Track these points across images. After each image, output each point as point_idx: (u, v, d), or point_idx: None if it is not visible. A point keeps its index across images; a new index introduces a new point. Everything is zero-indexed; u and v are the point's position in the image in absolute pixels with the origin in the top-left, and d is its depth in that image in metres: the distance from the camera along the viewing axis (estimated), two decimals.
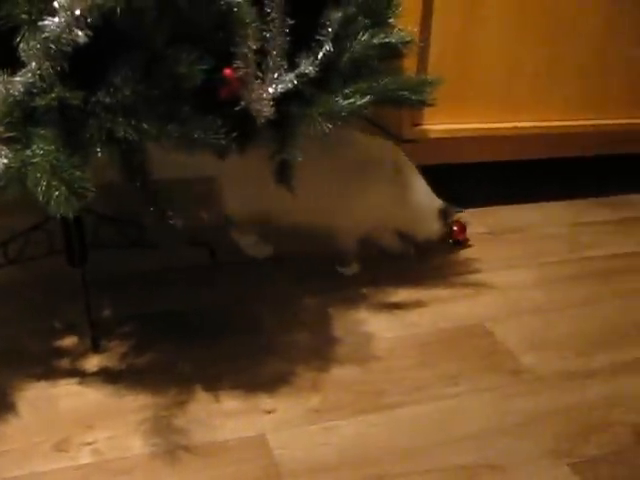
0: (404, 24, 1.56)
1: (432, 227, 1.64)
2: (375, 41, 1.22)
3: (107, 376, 1.22)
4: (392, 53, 1.27)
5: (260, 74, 1.08)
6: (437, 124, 1.78)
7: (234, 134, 1.03)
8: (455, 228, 1.74)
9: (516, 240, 1.84)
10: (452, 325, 1.44)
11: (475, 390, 1.25)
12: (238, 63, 0.98)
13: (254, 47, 0.98)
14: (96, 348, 1.28)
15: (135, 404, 1.16)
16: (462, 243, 1.78)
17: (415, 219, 1.62)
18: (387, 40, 1.23)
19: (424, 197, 1.62)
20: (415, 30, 1.66)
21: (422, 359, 1.32)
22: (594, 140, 1.98)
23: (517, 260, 1.74)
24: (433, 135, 1.77)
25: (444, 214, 1.65)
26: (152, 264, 1.55)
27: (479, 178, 2.06)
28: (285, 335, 1.36)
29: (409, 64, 1.69)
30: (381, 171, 1.53)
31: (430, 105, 1.27)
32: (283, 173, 1.14)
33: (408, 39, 1.26)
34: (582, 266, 1.75)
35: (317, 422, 1.14)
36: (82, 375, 1.22)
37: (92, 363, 1.25)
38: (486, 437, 1.14)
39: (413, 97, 1.24)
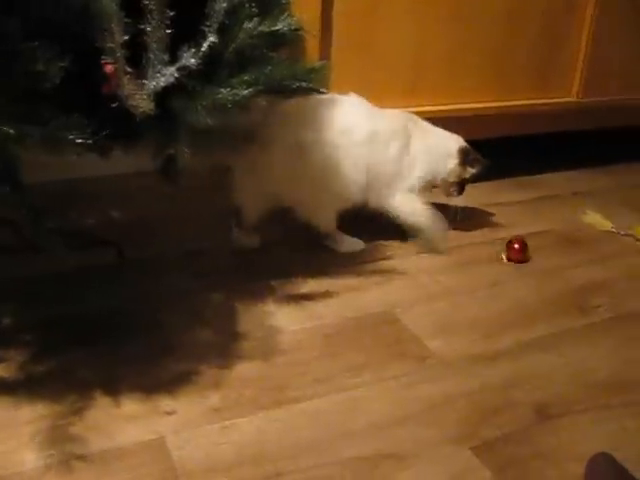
0: (304, 10, 1.55)
1: (447, 165, 1.72)
2: (262, 30, 1.20)
3: (2, 388, 1.18)
4: (281, 41, 1.25)
5: (140, 68, 1.05)
6: None
7: (111, 132, 1.00)
8: (516, 246, 1.71)
9: None
10: (360, 314, 1.43)
11: (379, 379, 1.24)
12: (106, 58, 0.94)
13: (121, 41, 0.94)
14: None
15: (31, 415, 1.12)
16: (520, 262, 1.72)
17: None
18: (275, 28, 1.21)
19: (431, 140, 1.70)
20: (316, 16, 1.64)
21: (327, 350, 1.31)
22: (503, 121, 1.99)
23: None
24: None
25: (464, 153, 1.72)
26: (52, 266, 1.50)
27: None
28: (188, 333, 1.34)
29: (312, 51, 1.67)
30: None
31: (321, 92, 1.24)
32: (169, 168, 1.11)
33: (297, 26, 1.24)
34: (493, 247, 1.75)
35: (217, 421, 1.12)
36: None
37: None
38: (388, 426, 1.13)
39: (302, 85, 1.22)
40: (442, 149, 1.73)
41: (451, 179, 1.75)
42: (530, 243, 1.74)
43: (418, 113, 1.78)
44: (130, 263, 1.55)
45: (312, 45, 1.67)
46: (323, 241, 1.68)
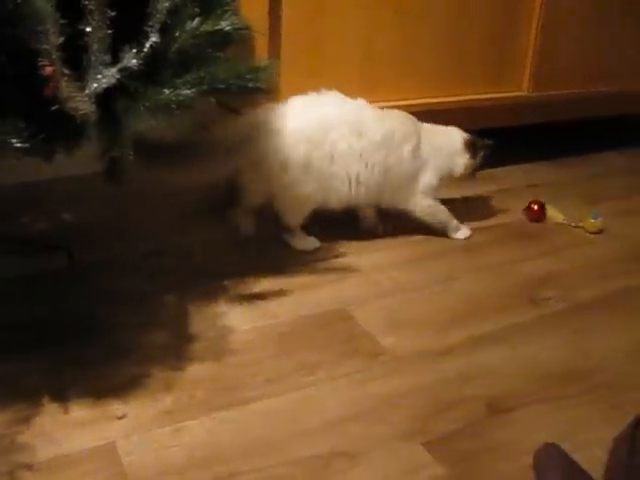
0: (252, 9, 1.55)
1: (460, 162, 1.77)
2: (205, 29, 1.19)
3: None
4: (225, 40, 1.24)
5: (81, 70, 1.04)
6: None
7: (52, 135, 0.99)
8: (534, 207, 1.93)
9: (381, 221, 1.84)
10: (313, 312, 1.43)
11: (332, 377, 1.24)
12: (43, 60, 0.93)
13: (57, 43, 0.92)
14: None
15: None
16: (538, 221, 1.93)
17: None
18: (218, 28, 1.20)
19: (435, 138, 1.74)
20: (264, 14, 1.64)
21: (280, 350, 1.31)
22: (455, 115, 1.99)
23: (382, 241, 1.74)
24: None
25: (470, 145, 1.76)
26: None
27: None
28: (141, 335, 1.33)
29: (261, 49, 1.66)
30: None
31: (266, 92, 1.24)
32: (113, 170, 1.10)
33: (241, 25, 1.23)
34: (445, 242, 1.76)
35: (168, 424, 1.11)
36: None
37: None
38: (341, 424, 1.13)
39: (248, 84, 1.21)
40: (449, 148, 1.77)
41: (467, 172, 1.79)
42: (484, 237, 1.76)
43: None
44: (82, 267, 1.53)
45: (261, 44, 1.66)
46: (282, 234, 1.69)
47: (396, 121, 1.67)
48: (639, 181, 2.34)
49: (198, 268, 1.56)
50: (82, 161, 1.21)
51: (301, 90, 1.70)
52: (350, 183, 1.62)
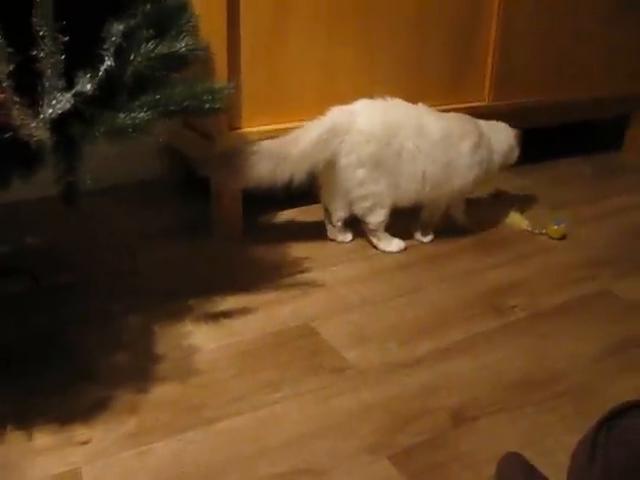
0: (210, 29, 1.56)
1: (515, 155, 1.94)
2: (160, 51, 1.19)
3: None
4: (181, 62, 1.25)
5: (35, 95, 1.04)
6: (256, 126, 1.77)
7: (7, 161, 0.99)
8: None
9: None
10: (278, 329, 1.43)
11: (297, 394, 1.25)
12: None
13: (6, 71, 0.93)
14: None
15: None
16: None
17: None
18: (173, 50, 1.21)
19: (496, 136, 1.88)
20: (223, 34, 1.64)
21: (244, 368, 1.31)
22: None
23: (345, 255, 1.75)
24: (253, 138, 1.75)
25: (520, 138, 1.93)
26: None
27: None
28: (106, 358, 1.33)
29: (220, 70, 1.67)
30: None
31: (223, 111, 1.25)
32: (69, 195, 1.10)
33: (196, 47, 1.24)
34: (410, 254, 1.78)
35: (133, 447, 1.11)
36: None
37: None
38: (305, 441, 1.14)
39: (204, 106, 1.22)
40: (509, 142, 1.92)
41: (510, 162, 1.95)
42: (449, 246, 1.78)
43: None
44: (46, 290, 1.53)
45: (220, 64, 1.66)
46: (369, 237, 1.81)
47: (453, 121, 1.79)
48: (604, 186, 2.37)
49: (163, 288, 1.56)
50: (44, 183, 1.20)
51: (263, 105, 1.72)
52: (418, 180, 1.74)
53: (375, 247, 1.81)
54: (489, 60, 2.16)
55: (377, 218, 1.76)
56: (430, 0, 1.96)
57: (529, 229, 1.95)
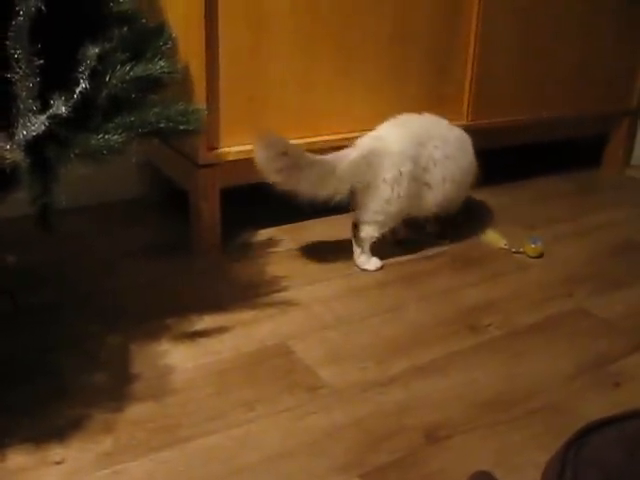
0: (188, 51, 1.57)
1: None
2: (135, 74, 1.20)
3: None
4: (156, 84, 1.26)
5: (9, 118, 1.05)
6: (235, 146, 1.79)
7: None
8: None
9: (324, 253, 1.87)
10: (253, 348, 1.44)
11: (272, 413, 1.25)
12: None
13: None
14: None
15: None
16: None
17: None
18: (148, 72, 1.22)
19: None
20: (201, 56, 1.66)
21: (220, 387, 1.32)
22: None
23: (323, 274, 1.76)
24: (232, 157, 1.77)
25: None
26: None
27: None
28: (82, 377, 1.33)
29: (199, 92, 1.68)
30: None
31: (198, 133, 1.26)
32: (44, 217, 1.11)
33: (171, 69, 1.25)
34: (387, 272, 1.79)
35: (108, 466, 1.12)
36: None
37: None
38: (279, 460, 1.14)
39: (179, 127, 1.23)
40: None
41: None
42: (426, 265, 1.79)
43: (309, 144, 1.82)
44: (24, 310, 1.53)
45: (199, 85, 1.68)
46: (354, 248, 1.85)
47: (459, 130, 1.97)
48: (582, 203, 2.39)
49: (142, 307, 1.57)
50: (23, 201, 1.21)
51: (242, 125, 1.73)
52: (446, 185, 1.87)
53: (355, 262, 1.84)
54: (468, 79, 2.18)
55: (373, 233, 1.81)
56: (408, 18, 1.98)
57: (507, 247, 1.96)
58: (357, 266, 1.83)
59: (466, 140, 1.97)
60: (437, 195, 1.86)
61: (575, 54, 2.44)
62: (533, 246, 1.93)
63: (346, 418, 1.25)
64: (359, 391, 1.32)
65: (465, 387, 1.35)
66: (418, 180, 1.81)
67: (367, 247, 1.82)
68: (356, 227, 1.83)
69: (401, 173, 1.77)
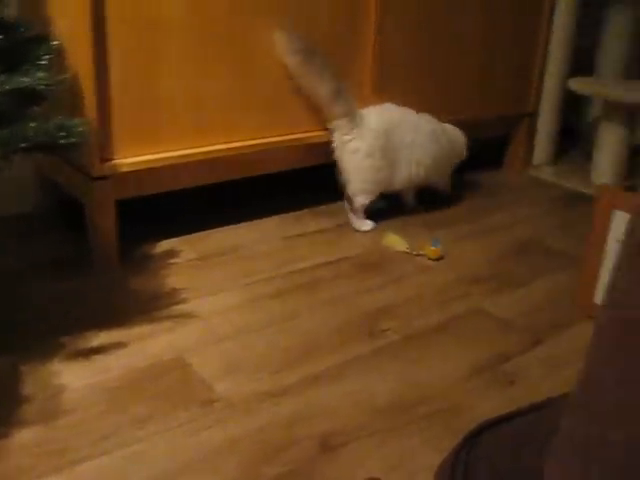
0: (77, 62, 1.54)
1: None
2: (9, 86, 1.17)
3: None
4: (35, 97, 1.23)
5: None
6: (129, 157, 1.76)
7: None
8: None
9: (225, 263, 1.85)
10: (149, 363, 1.42)
11: (165, 429, 1.23)
12: None
13: None
14: None
15: None
16: None
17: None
18: (24, 85, 1.19)
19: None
20: (89, 67, 1.63)
21: (111, 406, 1.29)
22: (289, 154, 2.04)
23: (223, 284, 1.74)
24: (126, 169, 1.74)
25: None
26: None
27: (192, 204, 2.08)
28: None
29: (89, 104, 1.65)
30: None
31: (80, 146, 1.24)
32: None
33: (49, 82, 1.22)
34: (287, 281, 1.78)
35: None
36: None
37: None
38: (171, 478, 1.13)
39: (59, 141, 1.20)
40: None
41: None
42: (327, 272, 1.80)
43: (205, 153, 1.81)
44: None
45: (89, 98, 1.64)
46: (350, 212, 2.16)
47: (434, 120, 2.23)
48: (483, 204, 2.43)
49: (35, 326, 1.53)
50: None
51: (135, 136, 1.71)
52: (412, 166, 2.15)
53: (352, 225, 2.14)
54: (367, 82, 2.19)
55: (364, 200, 2.10)
56: (303, 26, 1.98)
57: (408, 251, 1.98)
58: (355, 229, 2.12)
59: (441, 134, 2.23)
60: (404, 173, 2.14)
61: (475, 57, 2.47)
62: (433, 248, 1.95)
63: (241, 431, 1.24)
64: (254, 403, 1.31)
65: (361, 394, 1.36)
66: (388, 157, 2.09)
67: (361, 213, 2.13)
68: (349, 199, 2.13)
69: (376, 144, 2.05)
